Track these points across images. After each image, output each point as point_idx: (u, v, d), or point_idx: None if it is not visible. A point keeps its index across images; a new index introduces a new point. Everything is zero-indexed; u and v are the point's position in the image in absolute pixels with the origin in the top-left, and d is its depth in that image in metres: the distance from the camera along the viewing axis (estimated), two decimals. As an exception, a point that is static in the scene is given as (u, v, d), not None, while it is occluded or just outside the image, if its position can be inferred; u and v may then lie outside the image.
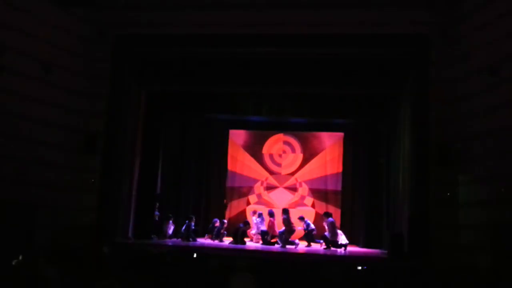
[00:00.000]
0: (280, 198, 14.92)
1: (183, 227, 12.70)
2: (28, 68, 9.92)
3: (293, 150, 15.71)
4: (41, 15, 10.21)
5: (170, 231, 12.94)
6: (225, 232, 13.02)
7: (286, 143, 15.80)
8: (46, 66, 10.16)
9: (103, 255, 6.93)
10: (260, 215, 13.00)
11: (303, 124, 15.21)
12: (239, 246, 11.84)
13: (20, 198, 9.40)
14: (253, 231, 13.01)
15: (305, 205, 14.99)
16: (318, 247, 12.31)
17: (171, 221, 12.98)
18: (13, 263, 5.00)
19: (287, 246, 11.93)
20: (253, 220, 13.11)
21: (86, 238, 10.02)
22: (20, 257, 5.21)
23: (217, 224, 13.15)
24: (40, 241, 9.51)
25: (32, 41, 10.02)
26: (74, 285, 4.63)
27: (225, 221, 13.51)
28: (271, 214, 12.80)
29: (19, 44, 9.76)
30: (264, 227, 12.64)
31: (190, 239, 12.36)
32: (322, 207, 14.57)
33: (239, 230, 12.39)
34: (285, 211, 12.48)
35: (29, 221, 9.50)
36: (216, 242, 12.65)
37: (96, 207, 10.81)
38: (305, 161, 15.54)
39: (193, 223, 12.71)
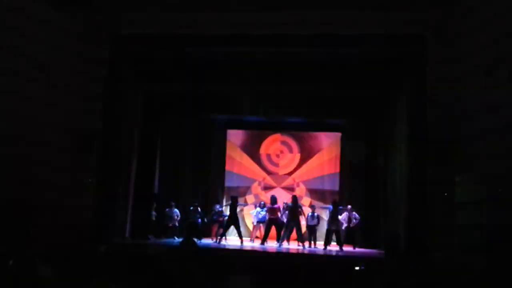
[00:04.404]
0: (278, 198, 14.89)
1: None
2: (25, 69, 9.88)
3: (291, 150, 15.73)
4: (38, 15, 10.16)
5: (175, 221, 12.94)
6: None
7: (283, 143, 15.82)
8: (44, 67, 10.13)
9: (100, 255, 6.91)
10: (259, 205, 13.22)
11: (300, 124, 15.24)
12: (238, 246, 11.86)
13: (17, 198, 9.37)
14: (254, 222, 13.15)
15: (302, 205, 14.98)
16: (316, 247, 12.33)
17: (175, 209, 12.99)
18: (10, 262, 4.98)
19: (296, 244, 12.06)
20: (252, 212, 13.28)
21: (82, 237, 10.00)
22: (17, 257, 5.20)
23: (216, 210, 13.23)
24: (37, 240, 9.48)
25: (29, 41, 9.98)
26: (70, 285, 4.62)
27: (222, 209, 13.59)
28: (273, 200, 12.77)
29: (15, 44, 9.72)
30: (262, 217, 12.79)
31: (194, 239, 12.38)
32: (319, 208, 14.57)
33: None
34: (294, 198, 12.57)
35: (26, 221, 9.47)
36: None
37: (93, 206, 10.79)
38: (302, 161, 15.57)
39: (198, 216, 12.76)
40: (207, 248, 11.45)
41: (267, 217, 12.69)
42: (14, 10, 9.68)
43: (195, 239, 12.14)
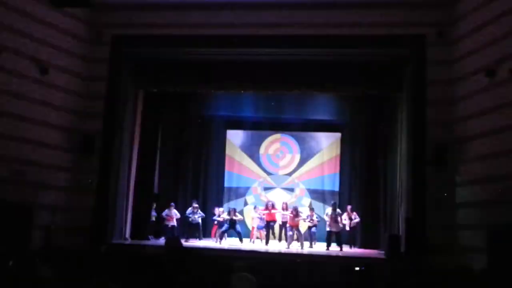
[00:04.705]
0: (278, 199, 14.90)
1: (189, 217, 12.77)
2: (25, 69, 9.88)
3: (291, 151, 15.70)
4: (38, 15, 10.18)
5: (174, 221, 12.93)
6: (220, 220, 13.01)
7: (283, 143, 15.79)
8: (44, 67, 10.13)
9: (100, 255, 6.92)
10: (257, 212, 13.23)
11: (300, 124, 15.21)
12: (238, 246, 11.85)
13: (18, 198, 9.37)
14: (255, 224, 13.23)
15: (302, 205, 14.99)
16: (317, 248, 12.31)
17: (174, 210, 12.98)
18: (10, 263, 4.99)
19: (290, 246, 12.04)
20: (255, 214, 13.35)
21: (82, 238, 10.00)
22: (17, 257, 5.20)
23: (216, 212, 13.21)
24: (37, 241, 9.49)
25: (30, 42, 9.98)
26: (69, 285, 4.63)
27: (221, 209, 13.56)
28: (271, 206, 12.83)
29: (16, 45, 9.72)
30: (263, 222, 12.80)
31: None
32: (319, 208, 14.55)
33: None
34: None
35: (26, 221, 9.47)
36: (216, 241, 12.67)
37: (94, 207, 10.79)
38: (302, 162, 15.53)
39: (198, 216, 12.76)
40: (206, 248, 11.45)
41: (265, 223, 12.74)
42: (14, 10, 9.68)
43: (196, 238, 12.22)
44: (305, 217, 12.53)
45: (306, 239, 12.48)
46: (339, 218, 12.32)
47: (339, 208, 12.79)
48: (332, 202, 13.23)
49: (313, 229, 12.51)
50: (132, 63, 11.72)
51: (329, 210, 12.54)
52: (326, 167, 15.42)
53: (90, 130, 11.01)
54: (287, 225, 12.49)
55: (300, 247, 12.13)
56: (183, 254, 5.62)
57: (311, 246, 12.28)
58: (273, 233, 12.92)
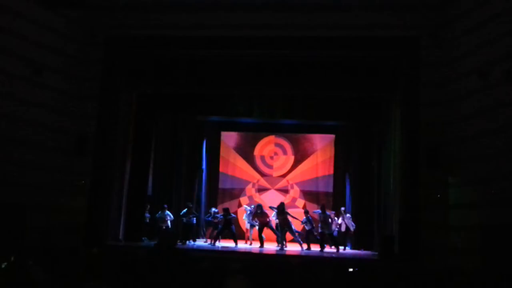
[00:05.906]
0: (272, 200, 14.92)
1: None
2: (19, 70, 9.83)
3: (285, 152, 15.74)
4: (32, 16, 10.13)
5: (168, 223, 12.90)
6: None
7: (277, 145, 15.83)
8: (37, 68, 10.07)
9: (93, 257, 6.89)
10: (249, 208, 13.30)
11: (294, 126, 15.24)
12: (232, 247, 11.84)
13: (10, 200, 9.31)
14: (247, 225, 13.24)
15: (296, 206, 15.03)
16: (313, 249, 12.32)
17: (168, 212, 12.93)
18: (2, 265, 4.96)
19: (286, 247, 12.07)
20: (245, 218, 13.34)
21: (76, 240, 9.95)
22: (10, 259, 5.16)
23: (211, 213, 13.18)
24: (30, 242, 9.42)
25: (23, 42, 9.93)
26: (63, 287, 4.60)
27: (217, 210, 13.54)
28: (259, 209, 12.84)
29: (9, 45, 9.67)
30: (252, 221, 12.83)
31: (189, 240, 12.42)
32: (313, 209, 14.60)
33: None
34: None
35: (19, 223, 9.41)
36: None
37: (87, 208, 10.73)
38: (296, 163, 15.58)
39: (192, 217, 12.72)
40: (201, 250, 11.43)
41: (257, 222, 12.69)
42: (8, 12, 9.64)
43: (190, 240, 12.18)
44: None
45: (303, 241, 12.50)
46: (329, 219, 12.36)
47: (334, 209, 12.78)
48: (321, 204, 13.26)
49: (309, 226, 12.51)
50: (126, 64, 11.67)
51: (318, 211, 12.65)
52: (320, 168, 15.48)
53: (84, 131, 10.96)
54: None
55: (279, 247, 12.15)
56: (175, 254, 5.60)
57: (308, 249, 12.27)
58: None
